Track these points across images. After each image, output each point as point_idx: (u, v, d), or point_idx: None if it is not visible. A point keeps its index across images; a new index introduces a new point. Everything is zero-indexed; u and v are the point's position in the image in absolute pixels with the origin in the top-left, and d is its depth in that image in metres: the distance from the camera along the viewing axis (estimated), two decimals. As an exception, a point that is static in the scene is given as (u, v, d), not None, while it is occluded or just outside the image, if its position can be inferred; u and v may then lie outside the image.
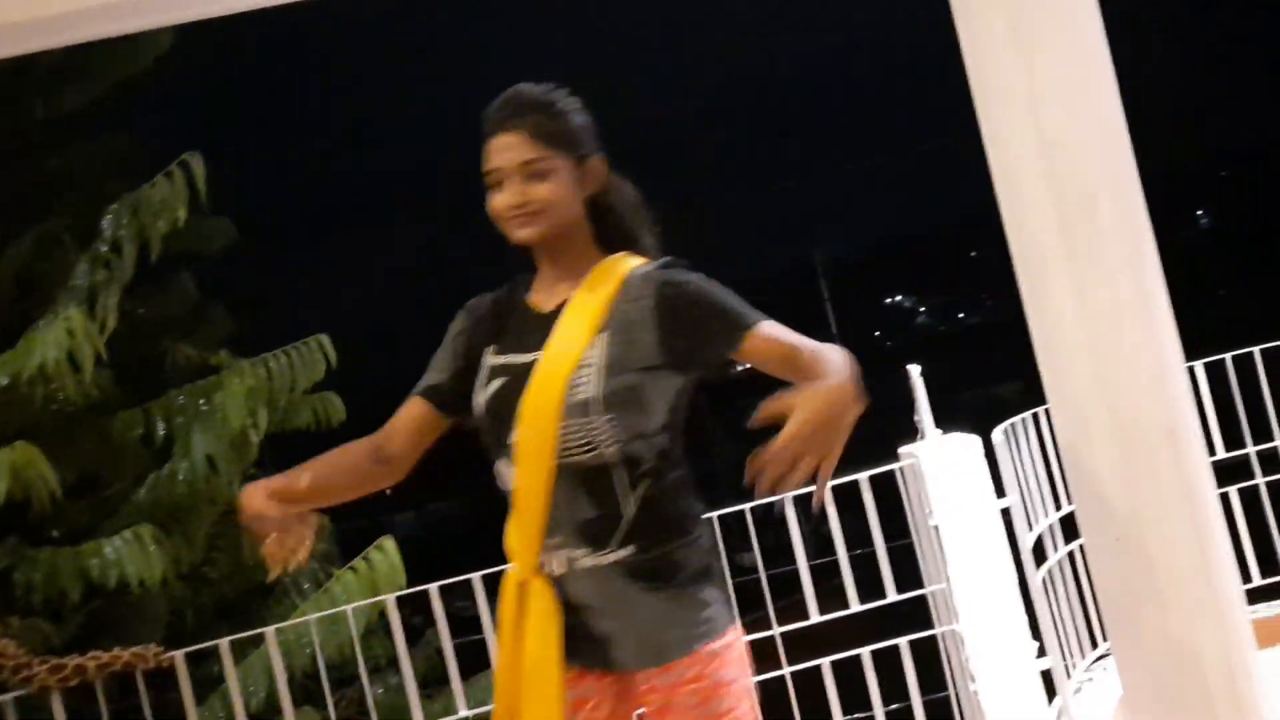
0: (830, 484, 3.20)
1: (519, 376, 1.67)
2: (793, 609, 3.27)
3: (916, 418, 3.25)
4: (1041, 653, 3.13)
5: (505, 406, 1.67)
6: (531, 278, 1.77)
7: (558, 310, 1.70)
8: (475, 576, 3.14)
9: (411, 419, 1.79)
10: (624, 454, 1.64)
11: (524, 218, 1.67)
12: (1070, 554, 3.45)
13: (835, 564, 3.24)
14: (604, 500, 1.64)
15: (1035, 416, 3.49)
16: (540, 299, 1.75)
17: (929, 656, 3.31)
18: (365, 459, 1.76)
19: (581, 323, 1.66)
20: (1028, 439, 3.43)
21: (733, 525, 3.24)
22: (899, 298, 48.74)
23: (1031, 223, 2.06)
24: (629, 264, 1.71)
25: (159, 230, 4.72)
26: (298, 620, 3.83)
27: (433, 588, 3.08)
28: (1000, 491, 3.16)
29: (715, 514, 3.26)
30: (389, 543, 4.37)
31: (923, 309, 47.97)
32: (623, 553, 1.64)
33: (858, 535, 3.23)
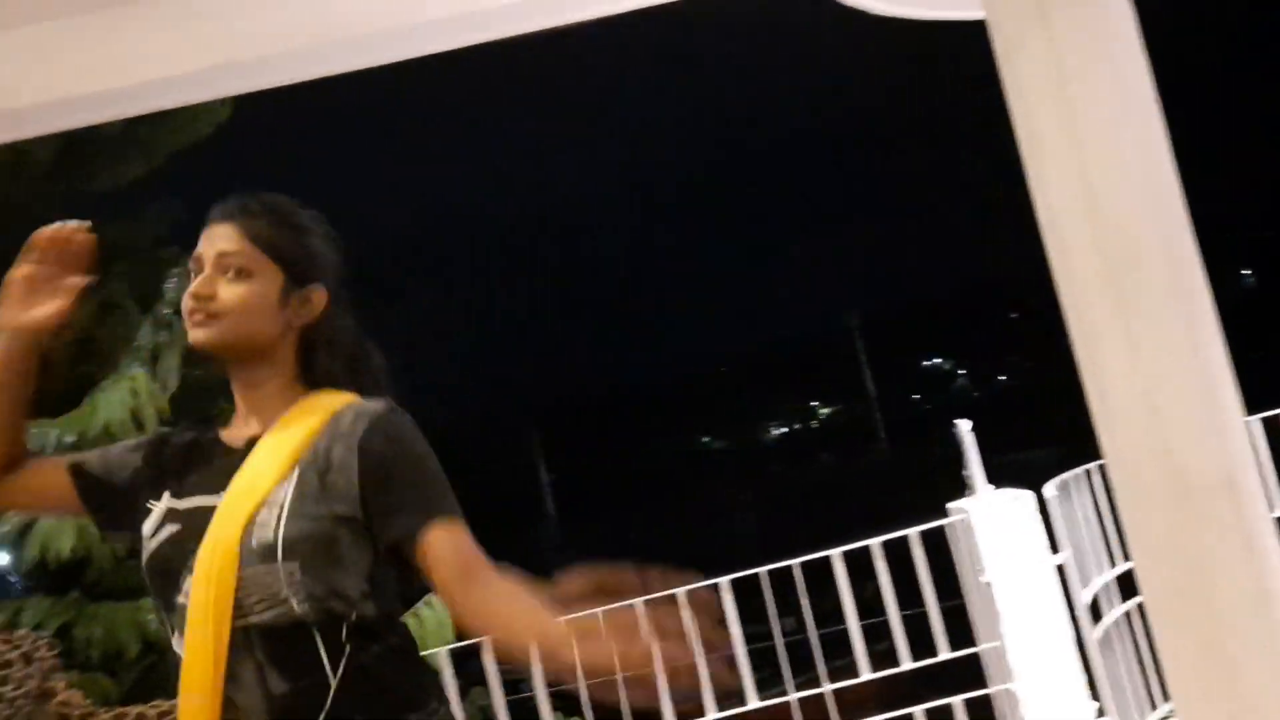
0: (880, 540, 3.24)
1: (196, 522, 1.39)
2: (845, 671, 3.26)
3: (966, 473, 3.25)
4: (1100, 714, 3.09)
5: (177, 558, 1.39)
6: (229, 416, 1.52)
7: (249, 446, 1.44)
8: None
9: (48, 469, 1.56)
10: (320, 611, 1.35)
11: (202, 316, 1.43)
12: (1127, 612, 3.41)
13: (886, 624, 3.23)
14: (300, 668, 1.34)
15: (1088, 472, 3.48)
16: (231, 434, 1.48)
17: (983, 717, 3.27)
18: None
19: (273, 457, 1.40)
20: (1080, 495, 3.42)
21: (775, 585, 3.26)
22: (938, 360, 48.49)
23: (1081, 274, 2.07)
24: (338, 400, 1.45)
25: (218, 293, 4.85)
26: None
27: (484, 644, 3.11)
28: (1054, 548, 3.15)
29: (764, 569, 3.28)
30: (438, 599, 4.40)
31: (962, 371, 47.65)
32: None
33: (908, 594, 3.23)
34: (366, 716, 1.35)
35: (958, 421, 3.27)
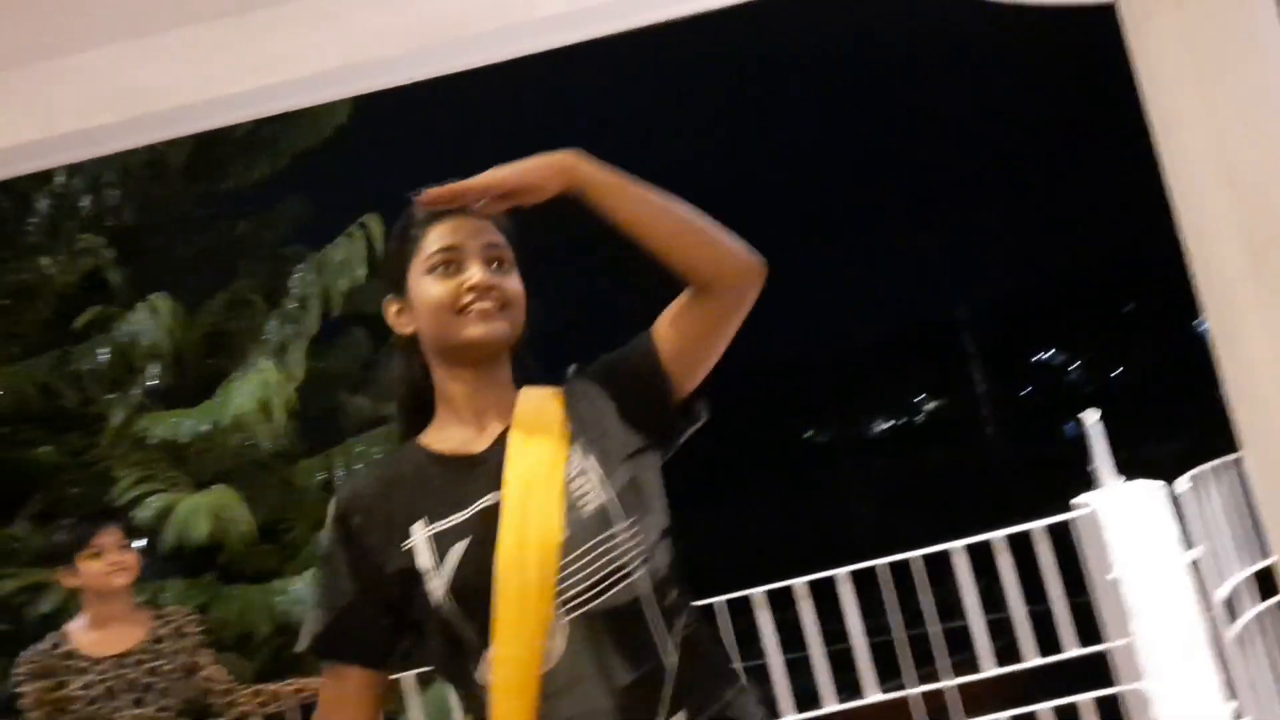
0: (1004, 533, 3.18)
1: (489, 526, 1.26)
2: (964, 666, 3.21)
3: (1092, 466, 3.16)
4: (1238, 715, 2.98)
5: (486, 567, 1.24)
6: (412, 446, 1.36)
7: (495, 449, 1.32)
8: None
9: (362, 703, 1.31)
10: (653, 575, 1.27)
11: (492, 306, 1.31)
12: (1266, 610, 3.28)
13: (1004, 621, 3.17)
14: (641, 653, 1.24)
15: (1223, 466, 3.36)
16: (460, 443, 1.34)
17: (1111, 716, 3.19)
18: None
19: (543, 436, 1.32)
20: (1214, 489, 3.30)
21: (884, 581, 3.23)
22: (1048, 354, 47.16)
23: (1221, 261, 2.01)
24: (548, 388, 1.39)
25: (340, 288, 5.02)
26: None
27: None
28: (1187, 544, 3.04)
29: (883, 561, 3.25)
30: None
31: (1074, 365, 46.25)
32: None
33: (1028, 590, 3.16)
34: (701, 697, 1.27)
35: (1084, 413, 3.18)
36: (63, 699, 2.87)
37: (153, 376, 4.81)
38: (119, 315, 4.89)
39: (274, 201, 6.62)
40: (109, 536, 2.94)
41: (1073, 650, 3.08)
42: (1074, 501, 3.17)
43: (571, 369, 1.41)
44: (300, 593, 4.33)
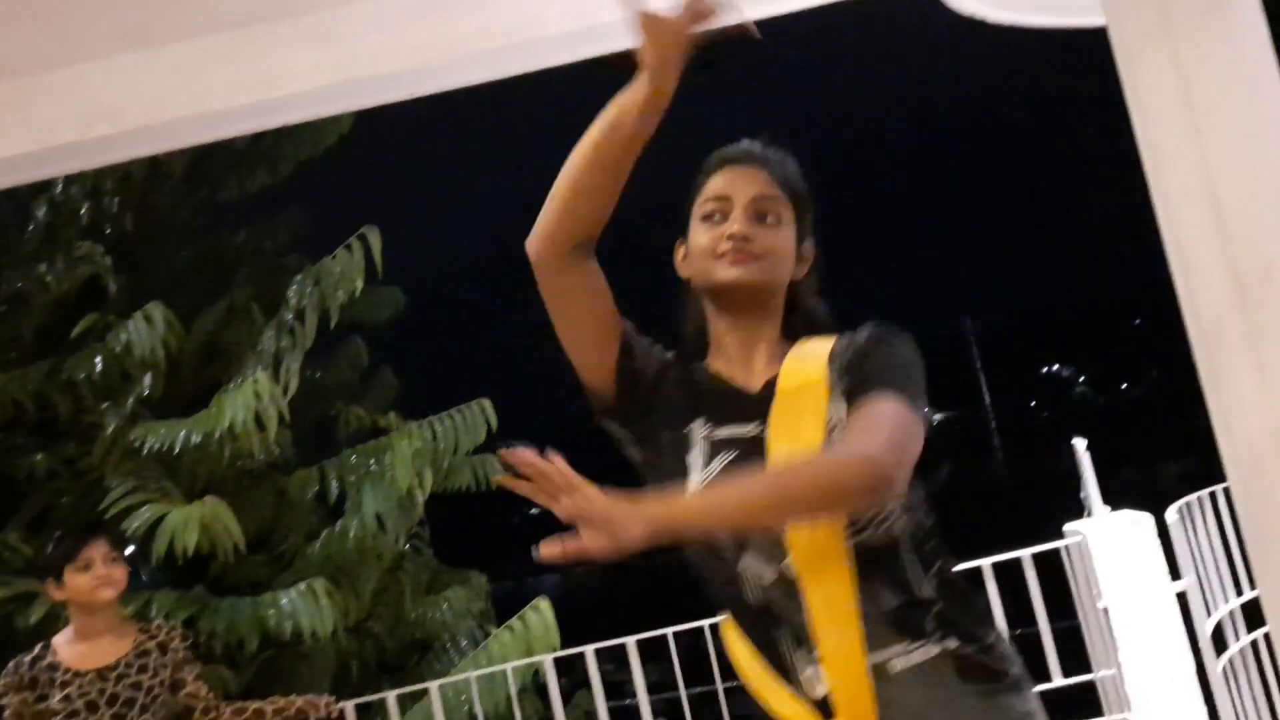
0: (991, 560, 3.16)
1: (750, 450, 1.37)
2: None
3: (1083, 494, 3.15)
4: (1224, 747, 2.96)
5: None
6: (695, 363, 1.51)
7: (766, 389, 1.43)
8: (630, 641, 3.19)
9: (606, 306, 1.45)
10: (913, 524, 1.37)
11: (744, 255, 1.41)
12: (1254, 642, 3.26)
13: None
14: (902, 584, 1.35)
15: (1213, 495, 3.34)
16: (735, 374, 1.47)
17: (1098, 745, 3.17)
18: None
19: (806, 381, 1.40)
20: (1204, 519, 3.28)
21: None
22: (1056, 367, 47.02)
23: (1208, 296, 1.99)
24: (828, 340, 1.47)
25: (338, 299, 5.02)
26: (459, 676, 3.95)
27: (589, 650, 3.14)
28: (1175, 574, 3.03)
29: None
30: (544, 604, 4.46)
31: (1082, 379, 46.09)
32: (949, 644, 1.33)
33: (1016, 615, 3.14)
34: (966, 628, 1.35)
35: (1075, 440, 3.18)
36: (44, 711, 2.87)
37: (147, 386, 4.81)
38: (115, 324, 4.89)
39: (273, 212, 6.63)
40: (97, 550, 2.94)
41: (1059, 679, 3.06)
42: (1065, 529, 3.16)
43: (879, 323, 1.47)
44: (290, 608, 4.32)
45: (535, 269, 1.41)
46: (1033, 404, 44.35)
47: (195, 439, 4.44)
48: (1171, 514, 3.14)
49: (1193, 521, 3.24)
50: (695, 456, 1.40)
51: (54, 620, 4.21)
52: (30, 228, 5.33)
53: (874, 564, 1.33)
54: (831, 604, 1.33)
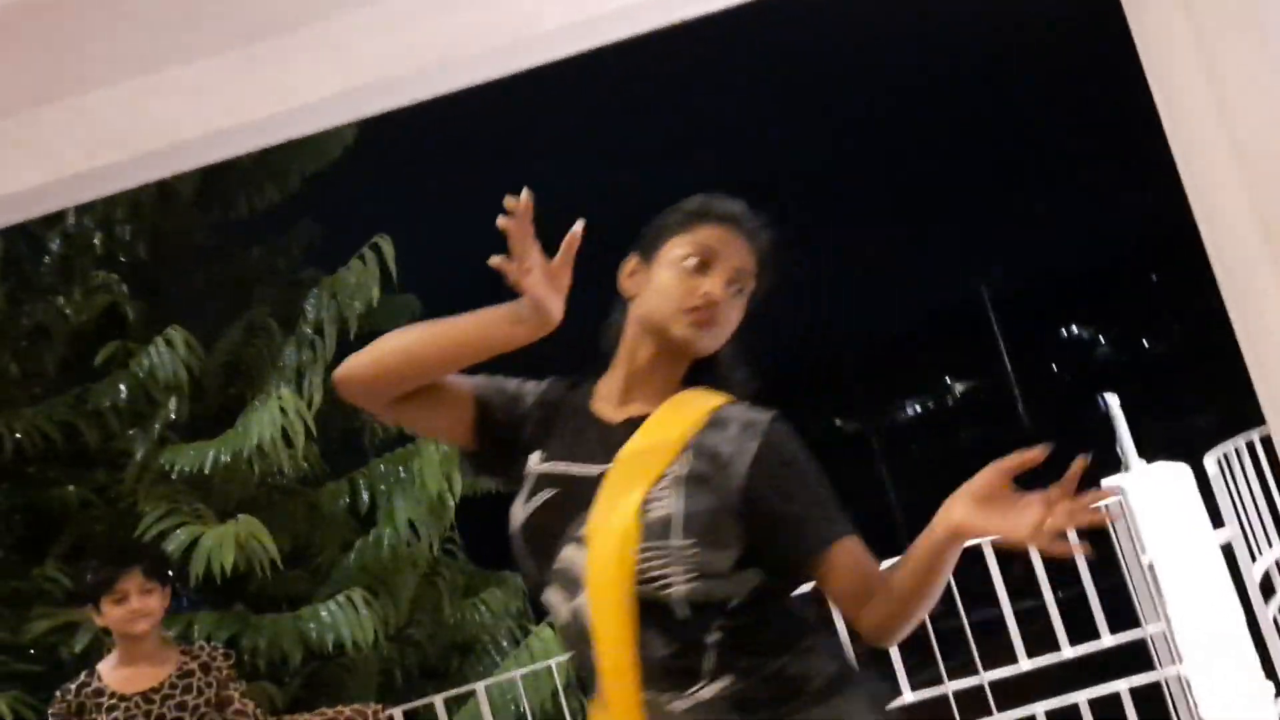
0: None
1: (575, 490, 1.40)
2: (999, 653, 3.16)
3: (1118, 448, 3.12)
4: (1278, 695, 2.93)
5: (555, 524, 1.40)
6: (586, 389, 1.53)
7: (629, 424, 1.44)
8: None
9: (454, 395, 1.47)
10: (703, 594, 1.36)
11: (709, 321, 1.44)
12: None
13: (1041, 607, 3.12)
14: (681, 634, 1.36)
15: (1250, 444, 3.30)
16: (605, 408, 1.49)
17: (1152, 702, 3.14)
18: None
19: (665, 435, 1.41)
20: (1243, 467, 3.25)
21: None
22: (1076, 329, 46.71)
23: (1233, 237, 1.95)
24: (717, 398, 1.46)
25: (356, 310, 5.02)
26: (504, 676, 3.96)
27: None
28: (1217, 523, 2.99)
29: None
30: (582, 598, 4.45)
31: (1103, 339, 45.77)
32: (723, 682, 1.35)
33: (1061, 576, 3.12)
34: (747, 663, 1.36)
35: (1105, 395, 3.14)
36: (93, 736, 2.89)
37: (172, 410, 4.83)
38: (136, 350, 4.91)
39: (285, 227, 6.63)
40: (131, 581, 2.95)
41: (1108, 639, 3.04)
42: (1103, 484, 3.12)
43: (772, 415, 1.45)
44: (330, 619, 4.34)
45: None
46: (1054, 367, 44.07)
47: (224, 459, 4.45)
48: (1210, 463, 3.10)
49: (1231, 470, 3.21)
50: (523, 490, 1.44)
51: (98, 649, 4.24)
52: (45, 260, 5.36)
53: (648, 616, 1.34)
54: (613, 645, 1.35)
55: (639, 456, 1.40)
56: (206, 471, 4.51)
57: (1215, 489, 3.05)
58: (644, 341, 1.47)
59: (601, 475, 1.40)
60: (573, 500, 1.39)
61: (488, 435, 1.48)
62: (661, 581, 1.34)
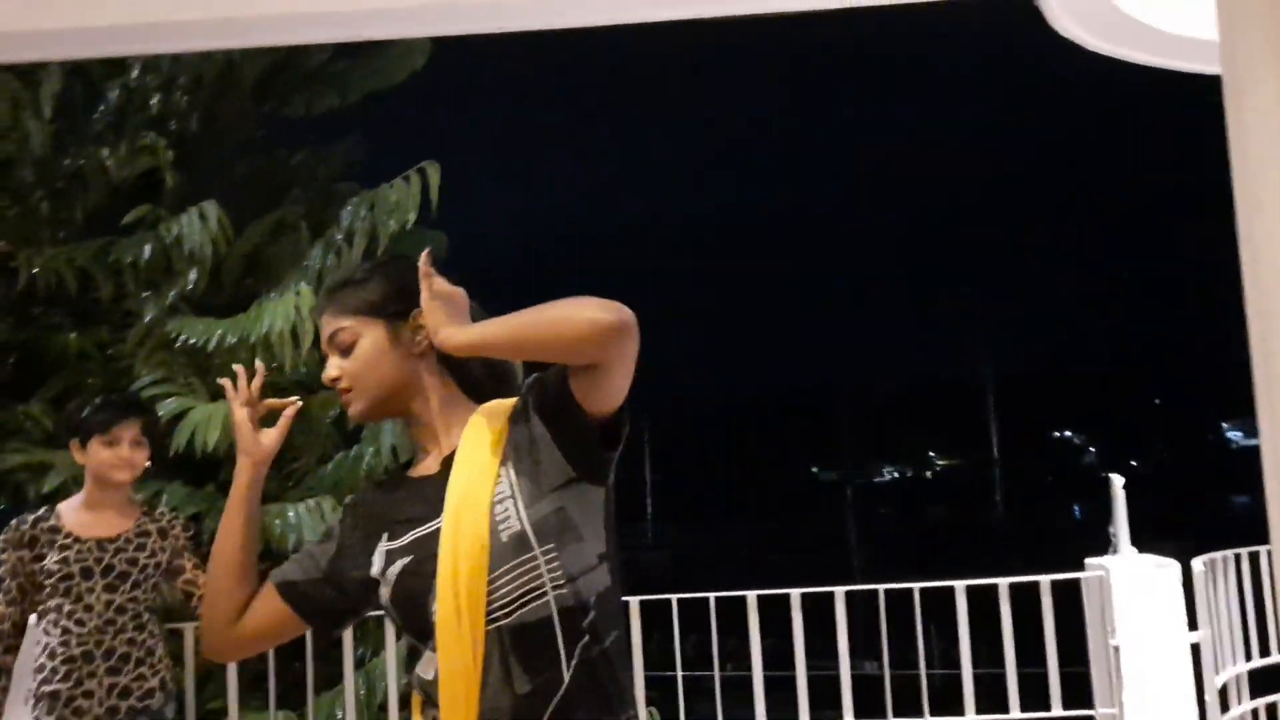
0: (1008, 581, 3.14)
1: (427, 548, 1.42)
2: (951, 708, 3.17)
3: (1111, 530, 3.12)
4: (1213, 805, 2.93)
5: (419, 585, 1.42)
6: (403, 468, 1.60)
7: (445, 468, 1.47)
8: (633, 601, 3.18)
9: (268, 605, 1.56)
10: (571, 598, 1.38)
11: (344, 395, 1.55)
12: (1256, 710, 3.23)
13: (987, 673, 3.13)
14: (541, 667, 1.37)
15: (1237, 556, 3.31)
16: (424, 466, 1.54)
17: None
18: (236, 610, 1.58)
19: (478, 459, 1.43)
20: (1227, 577, 3.25)
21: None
22: (1069, 433, 46.77)
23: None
24: (509, 404, 1.49)
25: (389, 228, 5.01)
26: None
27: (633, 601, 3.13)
28: (1193, 625, 3.00)
29: (881, 587, 3.21)
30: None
31: (1092, 449, 45.85)
32: None
33: (1028, 646, 3.12)
34: (584, 713, 1.37)
35: (1110, 475, 3.15)
36: (39, 571, 2.89)
37: (190, 281, 4.82)
38: (166, 217, 4.90)
39: (335, 137, 6.63)
40: (128, 430, 2.95)
41: (1058, 710, 3.04)
42: (1087, 562, 3.13)
43: (529, 380, 1.49)
44: (295, 520, 4.32)
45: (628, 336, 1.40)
46: (1039, 465, 44.12)
47: (230, 340, 4.44)
48: (1197, 564, 3.11)
49: (1215, 577, 3.22)
50: (378, 571, 1.47)
51: (65, 493, 4.23)
52: (100, 110, 5.35)
53: (514, 648, 1.36)
54: (460, 693, 1.36)
55: (466, 489, 1.41)
56: (210, 349, 4.50)
57: (1197, 591, 3.06)
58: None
59: (435, 527, 1.42)
60: (430, 558, 1.40)
61: (310, 609, 1.55)
62: (532, 597, 1.36)
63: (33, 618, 2.96)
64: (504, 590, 1.36)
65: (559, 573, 1.37)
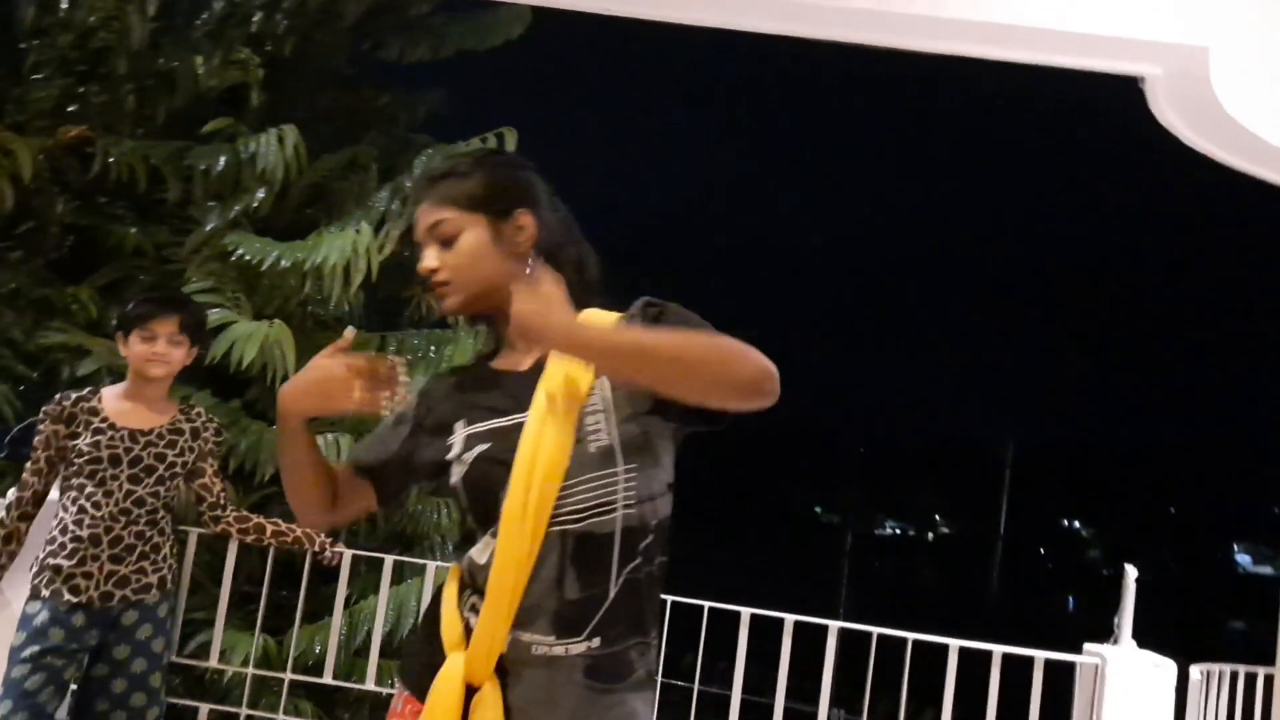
0: (1002, 649, 3.12)
1: (506, 438, 1.43)
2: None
3: (1116, 620, 3.10)
4: None
5: (494, 472, 1.42)
6: (482, 360, 1.61)
7: (536, 367, 1.48)
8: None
9: (350, 485, 1.60)
10: (637, 518, 1.40)
11: (438, 287, 1.53)
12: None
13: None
14: (593, 578, 1.39)
15: (1234, 674, 3.28)
16: (512, 361, 1.55)
17: None
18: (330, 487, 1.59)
19: (575, 366, 1.41)
20: (1220, 690, 3.22)
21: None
22: (1078, 524, 46.34)
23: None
24: (609, 316, 1.48)
25: (458, 186, 5.03)
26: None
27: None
28: (1178, 729, 2.98)
29: (875, 629, 3.20)
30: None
31: (1099, 544, 45.40)
32: (590, 644, 1.38)
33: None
34: (615, 632, 1.40)
35: (1126, 565, 3.13)
36: (70, 448, 2.94)
37: (257, 200, 4.87)
38: (246, 133, 4.96)
39: (421, 88, 6.68)
40: (166, 326, 3.00)
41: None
42: (1085, 648, 3.11)
43: (640, 302, 1.47)
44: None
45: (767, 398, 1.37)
46: (1041, 550, 43.74)
47: (284, 264, 4.49)
48: (1195, 672, 3.09)
49: (1208, 689, 3.19)
50: (454, 453, 1.49)
51: (97, 380, 4.29)
52: (202, 18, 5.42)
53: (573, 554, 1.38)
54: (504, 587, 1.37)
55: (560, 393, 1.41)
56: (263, 269, 4.54)
57: (1190, 699, 3.04)
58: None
59: (519, 422, 1.43)
60: (509, 449, 1.41)
61: (384, 484, 1.60)
62: (604, 509, 1.38)
63: (55, 493, 3.01)
64: (579, 497, 1.38)
65: (633, 492, 1.39)
